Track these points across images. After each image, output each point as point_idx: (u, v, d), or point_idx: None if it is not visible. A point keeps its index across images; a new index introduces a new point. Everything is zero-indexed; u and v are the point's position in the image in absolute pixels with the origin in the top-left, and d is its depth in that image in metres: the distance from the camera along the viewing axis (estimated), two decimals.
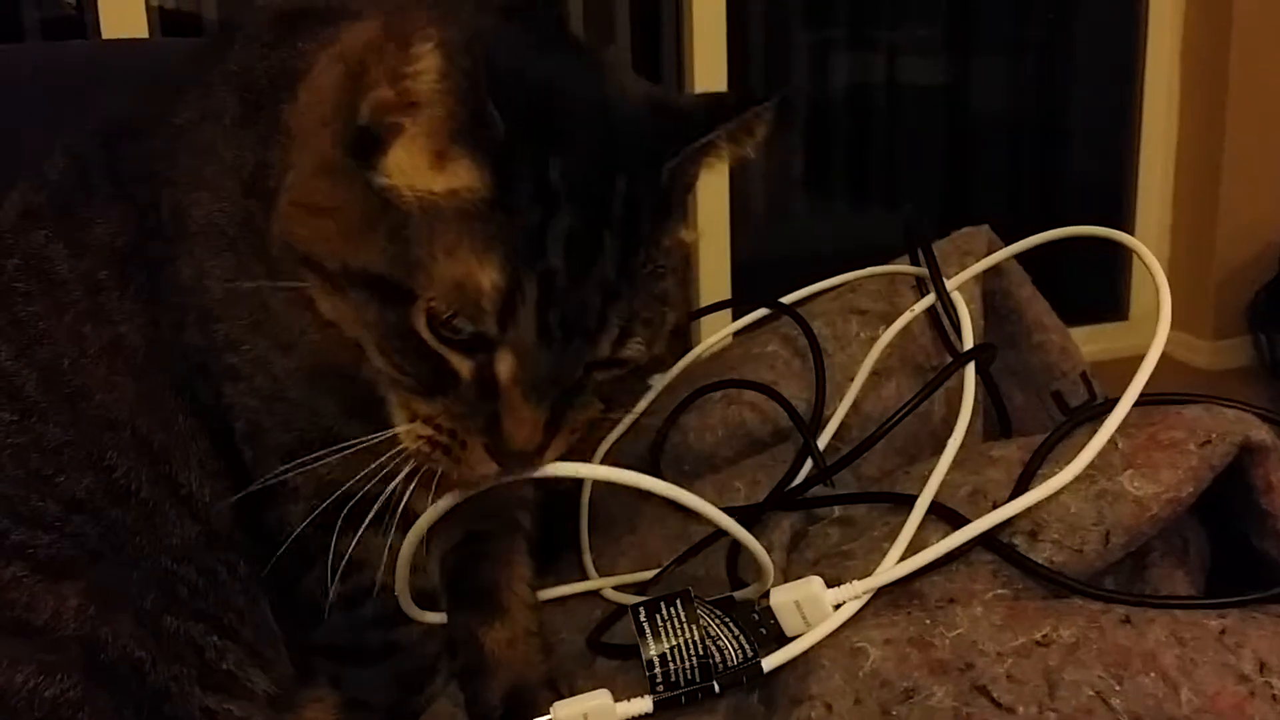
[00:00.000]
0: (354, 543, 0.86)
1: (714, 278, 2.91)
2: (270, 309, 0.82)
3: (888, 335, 0.97)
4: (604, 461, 1.03)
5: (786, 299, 1.06)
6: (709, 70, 2.84)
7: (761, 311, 1.08)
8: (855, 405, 0.99)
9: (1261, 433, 0.75)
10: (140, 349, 0.86)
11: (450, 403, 0.71)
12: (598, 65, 0.76)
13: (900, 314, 1.00)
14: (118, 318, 0.86)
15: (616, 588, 0.94)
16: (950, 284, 0.97)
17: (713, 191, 2.92)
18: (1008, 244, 1.02)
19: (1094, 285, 3.47)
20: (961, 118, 3.56)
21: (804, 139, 3.44)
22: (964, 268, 1.00)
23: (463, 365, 0.70)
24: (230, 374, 0.85)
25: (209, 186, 0.84)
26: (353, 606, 0.89)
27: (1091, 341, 3.10)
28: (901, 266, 1.04)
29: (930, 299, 0.97)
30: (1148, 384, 0.80)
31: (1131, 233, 3.36)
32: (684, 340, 0.79)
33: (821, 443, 0.95)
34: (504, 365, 0.69)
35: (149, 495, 0.85)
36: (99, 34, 2.32)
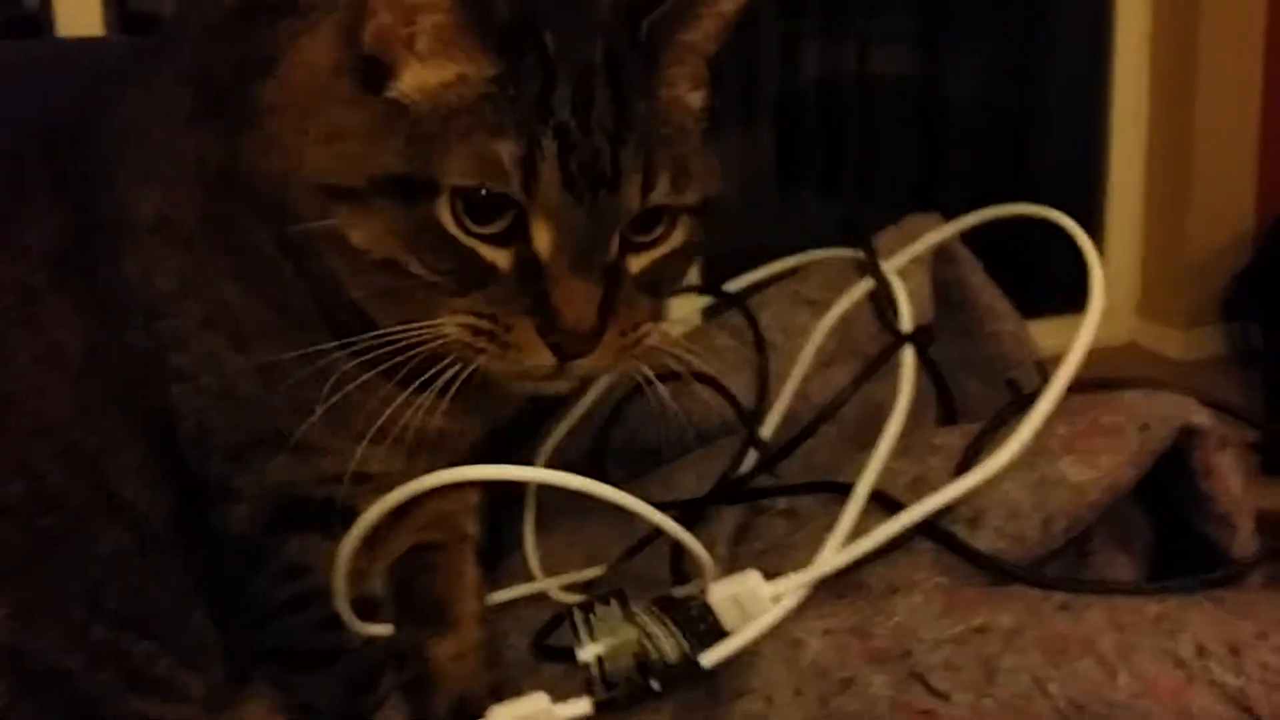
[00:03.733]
0: (299, 546, 0.87)
1: None
2: (229, 305, 0.81)
3: (827, 321, 0.96)
4: (552, 453, 1.03)
5: (731, 286, 1.05)
6: None
7: (706, 300, 1.07)
8: (805, 395, 0.99)
9: (1201, 416, 0.75)
10: (76, 355, 0.84)
11: (492, 291, 0.71)
12: None
13: (853, 306, 0.99)
14: (51, 325, 0.84)
15: (565, 587, 0.94)
16: (888, 265, 0.97)
17: None
18: (980, 237, 1.02)
19: (1060, 276, 3.47)
20: (933, 108, 3.56)
21: (775, 130, 3.44)
22: (914, 254, 0.99)
23: (499, 256, 0.71)
24: (176, 374, 0.83)
25: (161, 183, 0.83)
26: (299, 610, 0.88)
27: (1058, 333, 3.11)
28: (844, 251, 1.03)
29: (868, 283, 0.97)
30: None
31: (1103, 221, 3.39)
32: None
33: (767, 433, 0.94)
34: (541, 237, 0.70)
35: (80, 504, 0.84)
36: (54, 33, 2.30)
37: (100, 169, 0.85)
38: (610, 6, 0.74)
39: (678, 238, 0.75)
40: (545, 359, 0.71)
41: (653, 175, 0.72)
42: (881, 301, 0.98)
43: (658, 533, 0.88)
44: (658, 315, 0.77)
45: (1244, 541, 0.76)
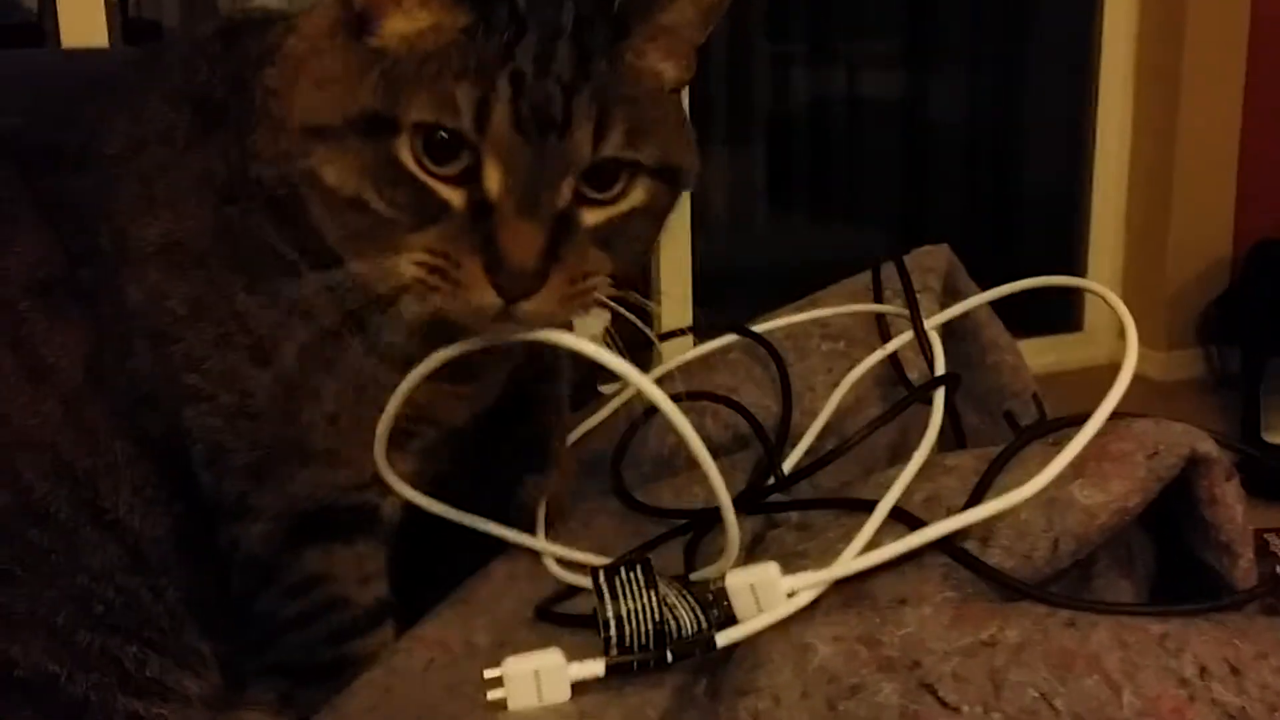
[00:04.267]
0: (317, 557, 0.88)
1: (675, 287, 2.93)
2: (246, 318, 0.83)
3: (860, 369, 1.00)
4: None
5: (757, 327, 1.07)
6: None
7: (730, 337, 1.09)
8: (810, 411, 1.01)
9: (1207, 446, 0.77)
10: (72, 378, 0.85)
11: (444, 227, 0.73)
12: None
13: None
14: (45, 349, 0.85)
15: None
16: (885, 308, 0.99)
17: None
18: (964, 258, 1.05)
19: (1050, 297, 3.51)
20: (919, 131, 3.60)
21: (765, 151, 3.47)
22: (924, 285, 1.02)
23: (453, 195, 0.73)
24: (190, 396, 0.84)
25: (166, 208, 0.84)
26: (310, 623, 0.89)
27: (1047, 353, 3.15)
28: (875, 306, 1.06)
29: (907, 336, 1.00)
30: (1096, 395, 0.82)
31: (1085, 245, 3.44)
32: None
33: (786, 462, 0.97)
34: (491, 177, 0.72)
35: (68, 518, 0.85)
36: (59, 42, 2.29)
37: (92, 199, 0.86)
38: None
39: (636, 197, 0.77)
40: (490, 298, 0.72)
41: (606, 127, 0.73)
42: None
43: (673, 534, 0.92)
44: (615, 271, 0.78)
45: (1245, 570, 0.78)
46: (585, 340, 0.76)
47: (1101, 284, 0.89)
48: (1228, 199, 3.35)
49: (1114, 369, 0.83)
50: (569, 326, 0.80)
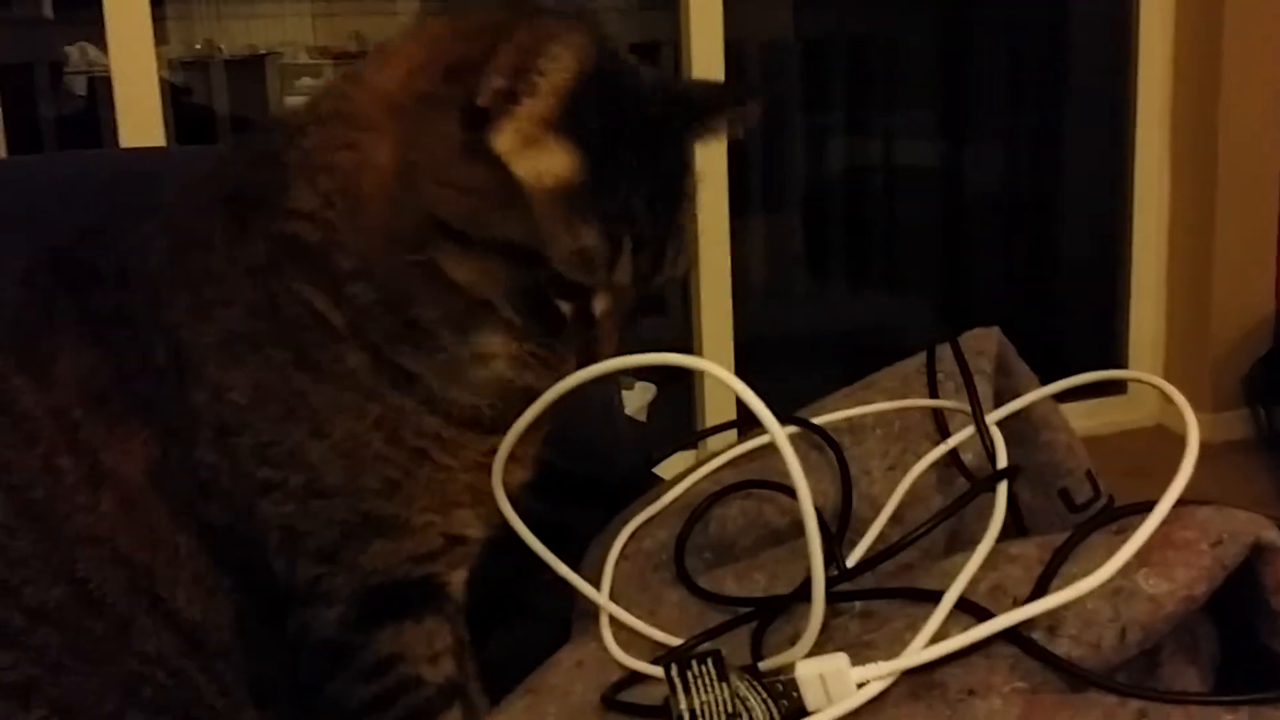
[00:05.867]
0: (391, 636, 0.90)
1: (718, 355, 2.94)
2: (302, 394, 0.86)
3: (923, 464, 1.02)
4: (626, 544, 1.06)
5: (819, 420, 1.08)
6: (708, 152, 2.89)
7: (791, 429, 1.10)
8: (867, 496, 1.02)
9: (1272, 534, 0.78)
10: (133, 479, 0.87)
11: (553, 329, 0.86)
12: (627, 62, 0.91)
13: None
14: (103, 454, 0.87)
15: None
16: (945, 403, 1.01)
17: (715, 271, 2.96)
18: (1006, 325, 1.08)
19: (1091, 360, 3.51)
20: (957, 199, 3.62)
21: (803, 220, 3.49)
22: (976, 368, 1.03)
23: (567, 309, 0.86)
24: (262, 487, 0.87)
25: (217, 306, 0.88)
26: (385, 707, 0.90)
27: (1090, 416, 3.14)
28: (934, 402, 1.07)
29: (969, 432, 1.02)
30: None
31: (1127, 308, 3.43)
32: None
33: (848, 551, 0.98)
34: (600, 304, 0.87)
35: (124, 607, 0.86)
36: (112, 126, 2.34)
37: (143, 314, 0.89)
38: (665, 117, 0.89)
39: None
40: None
41: (678, 263, 0.90)
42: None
43: (739, 621, 0.93)
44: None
45: None
46: (731, 375, 0.84)
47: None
48: (1269, 258, 3.34)
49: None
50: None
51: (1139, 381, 0.96)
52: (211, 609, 0.89)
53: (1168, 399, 0.91)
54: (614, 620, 0.97)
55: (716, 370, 0.85)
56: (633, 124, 0.85)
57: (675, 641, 0.94)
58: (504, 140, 0.83)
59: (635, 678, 0.91)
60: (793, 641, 0.85)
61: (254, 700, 0.91)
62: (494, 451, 0.90)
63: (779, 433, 0.83)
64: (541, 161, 0.83)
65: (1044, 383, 1.09)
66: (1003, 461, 0.96)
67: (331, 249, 0.86)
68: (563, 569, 0.97)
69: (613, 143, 0.84)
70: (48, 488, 0.86)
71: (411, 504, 0.89)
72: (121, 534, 0.86)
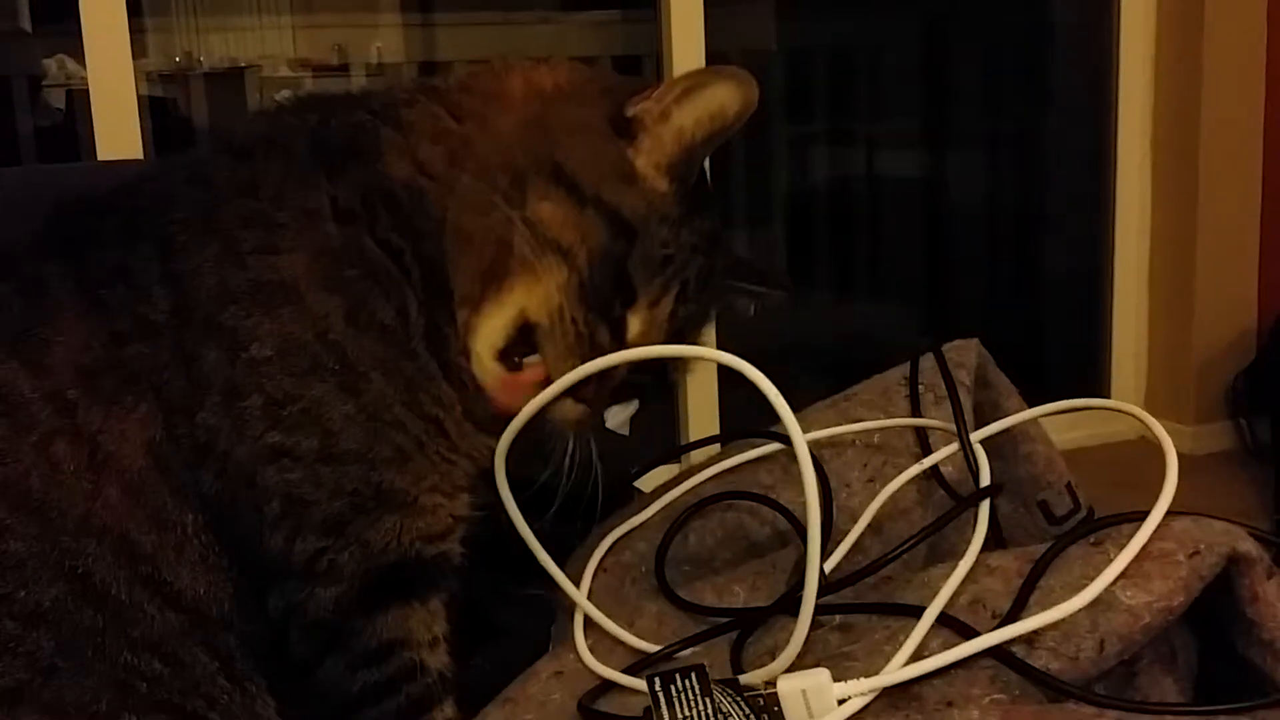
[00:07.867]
0: (393, 621, 0.88)
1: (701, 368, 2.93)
2: (338, 345, 0.85)
3: (901, 480, 1.02)
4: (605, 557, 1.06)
5: (808, 437, 1.08)
6: None
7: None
8: (846, 507, 1.02)
9: (1248, 544, 0.78)
10: (133, 460, 0.85)
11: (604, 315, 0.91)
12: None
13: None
14: (103, 436, 0.84)
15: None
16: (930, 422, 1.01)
17: None
18: (988, 335, 1.09)
19: (1073, 371, 3.52)
20: (939, 208, 3.63)
21: (786, 229, 3.49)
22: (956, 380, 1.03)
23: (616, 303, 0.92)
24: (270, 455, 0.85)
25: (257, 253, 0.87)
26: (385, 696, 0.88)
27: (1074, 428, 3.14)
28: (917, 421, 1.08)
29: (953, 448, 1.03)
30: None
31: (1109, 319, 3.44)
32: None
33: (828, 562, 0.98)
34: (634, 326, 0.93)
35: (125, 597, 0.84)
36: (90, 139, 2.33)
37: (143, 268, 0.87)
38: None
39: None
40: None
41: (692, 332, 1.00)
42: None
43: (718, 630, 0.93)
44: None
45: None
46: (758, 372, 0.84)
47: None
48: (1251, 270, 3.35)
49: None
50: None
51: (1119, 411, 0.97)
52: (215, 584, 0.86)
53: (1147, 412, 0.92)
54: (592, 630, 0.97)
55: (749, 370, 0.84)
56: (710, 211, 0.97)
57: (653, 649, 0.93)
58: (642, 146, 0.92)
59: (612, 686, 0.90)
60: (773, 654, 0.85)
61: (264, 677, 0.89)
62: (493, 451, 0.92)
63: (799, 439, 0.84)
64: (657, 179, 0.92)
65: (1024, 393, 1.10)
66: (986, 480, 0.96)
67: (426, 199, 0.90)
68: (544, 557, 0.97)
69: (697, 210, 0.94)
70: (44, 475, 0.83)
71: (420, 481, 0.89)
72: (127, 519, 0.84)
